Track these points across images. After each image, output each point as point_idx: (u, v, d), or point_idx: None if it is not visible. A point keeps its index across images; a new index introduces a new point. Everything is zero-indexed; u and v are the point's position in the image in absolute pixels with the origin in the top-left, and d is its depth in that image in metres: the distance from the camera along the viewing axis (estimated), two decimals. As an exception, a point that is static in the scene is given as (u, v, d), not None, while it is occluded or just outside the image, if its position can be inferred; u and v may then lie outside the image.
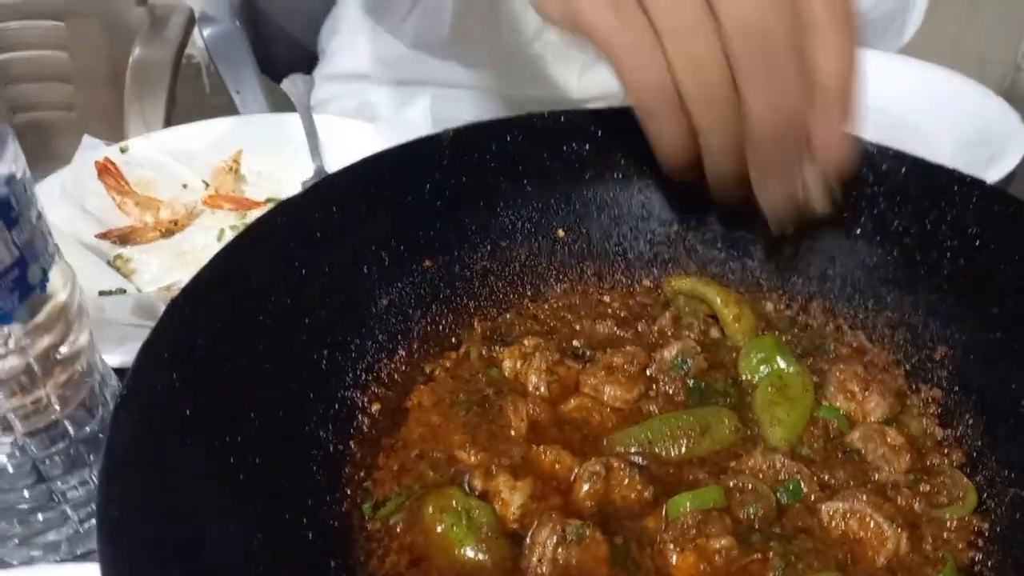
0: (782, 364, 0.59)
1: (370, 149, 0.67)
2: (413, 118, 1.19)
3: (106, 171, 0.97)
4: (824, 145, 0.54)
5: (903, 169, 0.64)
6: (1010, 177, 0.97)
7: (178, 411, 0.47)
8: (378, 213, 0.65)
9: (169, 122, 1.49)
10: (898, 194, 0.64)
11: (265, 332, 0.55)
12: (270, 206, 0.97)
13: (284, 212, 0.60)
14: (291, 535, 0.47)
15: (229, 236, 0.93)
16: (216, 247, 0.92)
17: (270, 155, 1.04)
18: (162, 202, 0.97)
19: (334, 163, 0.99)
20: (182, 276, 0.88)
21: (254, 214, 0.96)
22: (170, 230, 0.95)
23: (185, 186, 1.01)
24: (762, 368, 0.59)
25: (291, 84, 1.09)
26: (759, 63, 0.50)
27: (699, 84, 0.51)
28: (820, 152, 0.54)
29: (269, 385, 0.53)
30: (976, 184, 0.62)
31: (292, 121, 1.05)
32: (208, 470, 0.47)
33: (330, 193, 0.63)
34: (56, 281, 0.50)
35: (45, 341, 0.49)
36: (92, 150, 0.99)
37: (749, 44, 0.50)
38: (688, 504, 0.50)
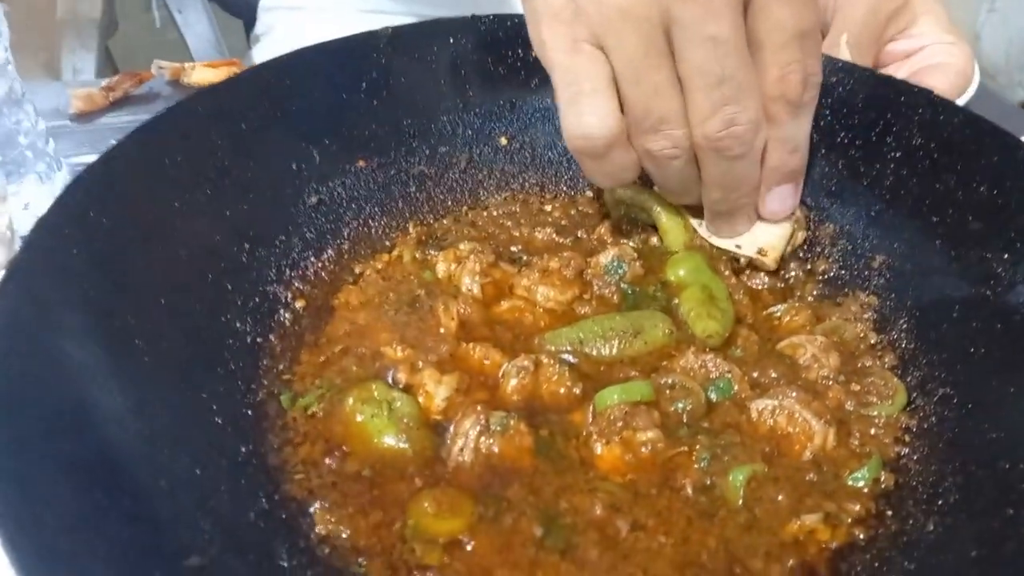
0: (708, 279, 0.58)
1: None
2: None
3: None
4: (771, 212, 0.57)
5: (850, 81, 0.63)
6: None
7: (77, 287, 0.44)
8: (309, 108, 0.62)
9: (106, 50, 1.42)
10: (845, 106, 0.63)
11: (180, 219, 0.52)
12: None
13: (206, 98, 0.57)
14: (198, 420, 0.45)
15: None
16: None
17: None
18: None
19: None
20: None
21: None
22: None
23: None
24: (689, 276, 0.58)
25: None
26: (721, 165, 0.51)
27: (662, 150, 0.51)
28: (767, 215, 0.58)
29: (182, 273, 0.51)
30: (922, 94, 0.61)
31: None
32: (108, 349, 0.44)
33: (258, 83, 0.60)
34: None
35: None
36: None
37: (714, 149, 0.50)
38: (616, 397, 0.49)
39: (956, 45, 0.77)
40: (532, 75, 0.69)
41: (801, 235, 0.61)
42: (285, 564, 0.39)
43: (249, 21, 1.51)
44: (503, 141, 0.69)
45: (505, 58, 0.68)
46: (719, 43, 0.46)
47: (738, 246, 0.59)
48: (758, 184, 0.55)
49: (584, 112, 0.49)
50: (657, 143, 0.50)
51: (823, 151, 0.63)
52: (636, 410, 0.48)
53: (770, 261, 0.59)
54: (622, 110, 0.49)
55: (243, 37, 1.59)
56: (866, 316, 0.57)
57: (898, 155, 0.60)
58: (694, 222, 0.60)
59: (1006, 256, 0.52)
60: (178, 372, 0.46)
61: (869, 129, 0.62)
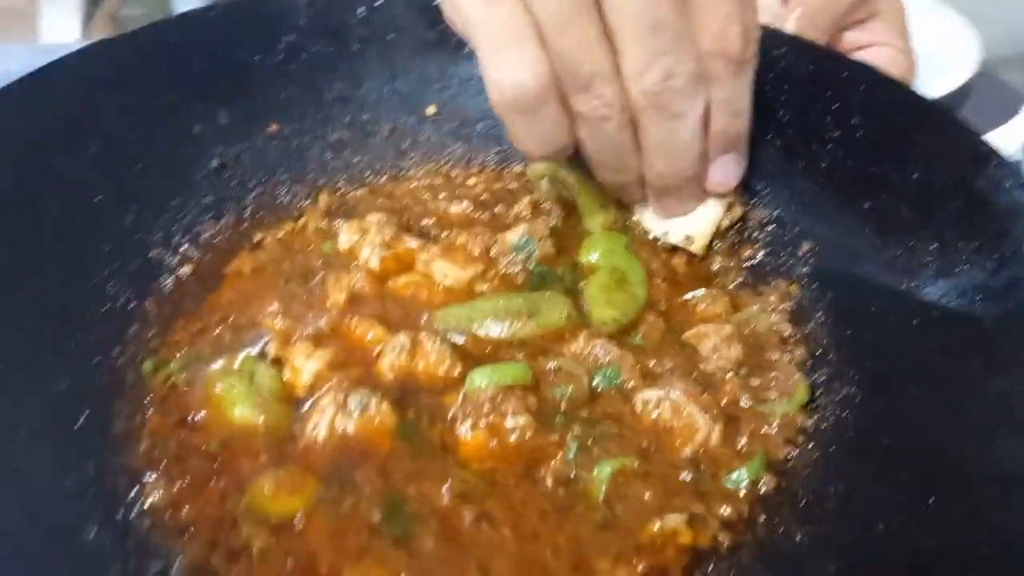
0: (623, 263, 0.54)
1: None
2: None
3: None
4: (715, 185, 0.54)
5: (791, 53, 0.58)
6: (963, 92, 0.90)
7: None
8: (216, 67, 0.59)
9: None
10: (785, 80, 0.58)
11: (59, 176, 0.51)
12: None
13: (96, 52, 0.55)
14: (38, 381, 0.43)
15: None
16: None
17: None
18: None
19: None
20: None
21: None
22: None
23: None
24: (603, 259, 0.55)
25: None
26: (662, 128, 0.48)
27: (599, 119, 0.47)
28: (711, 187, 0.54)
29: (52, 229, 0.49)
30: (864, 70, 0.56)
31: None
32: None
33: (158, 38, 0.58)
34: None
35: None
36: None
37: (653, 106, 0.46)
38: (488, 379, 0.46)
39: (903, 53, 0.73)
40: (464, 41, 0.65)
41: (739, 210, 0.57)
42: (91, 537, 0.37)
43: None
44: (430, 110, 0.66)
45: (436, 22, 0.65)
46: None
47: (665, 232, 0.56)
48: (703, 154, 0.51)
49: (511, 61, 0.45)
50: (588, 102, 0.46)
51: (759, 128, 0.59)
52: (509, 394, 0.45)
53: (697, 248, 0.56)
54: None
55: None
56: (784, 307, 0.53)
57: (836, 134, 0.56)
58: (635, 209, 0.57)
59: (934, 246, 0.48)
60: (22, 326, 0.44)
61: (807, 105, 0.57)
